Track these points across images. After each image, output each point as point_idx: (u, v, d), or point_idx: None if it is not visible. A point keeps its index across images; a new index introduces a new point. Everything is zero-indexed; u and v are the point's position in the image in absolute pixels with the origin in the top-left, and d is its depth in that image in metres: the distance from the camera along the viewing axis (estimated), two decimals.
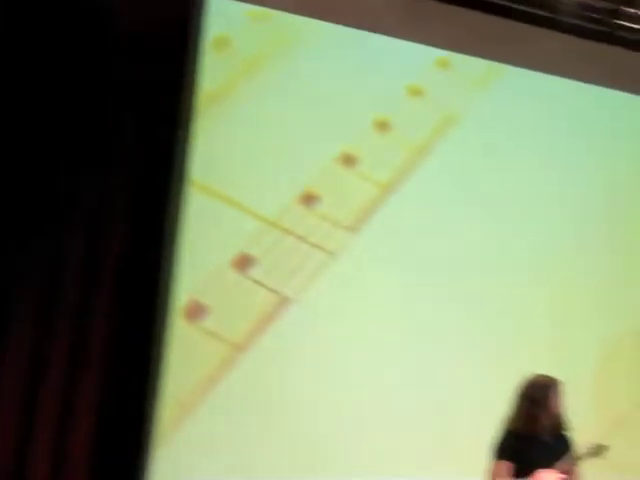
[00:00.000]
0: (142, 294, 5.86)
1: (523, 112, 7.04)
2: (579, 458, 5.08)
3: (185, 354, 5.90)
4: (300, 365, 6.13)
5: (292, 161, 6.29)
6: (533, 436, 4.99)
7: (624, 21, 7.27)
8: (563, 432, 5.12)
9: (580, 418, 6.06)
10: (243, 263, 6.07)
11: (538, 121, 7.07)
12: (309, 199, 6.28)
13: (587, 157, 7.17)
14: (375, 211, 6.43)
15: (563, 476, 4.97)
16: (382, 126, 6.54)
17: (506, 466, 4.93)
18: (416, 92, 6.69)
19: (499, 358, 6.49)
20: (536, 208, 6.96)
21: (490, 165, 6.86)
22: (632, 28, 7.36)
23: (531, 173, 6.98)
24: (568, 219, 7.06)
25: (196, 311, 5.95)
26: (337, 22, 6.52)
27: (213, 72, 6.18)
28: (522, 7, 6.97)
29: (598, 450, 5.10)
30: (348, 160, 6.41)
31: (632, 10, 7.23)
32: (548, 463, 4.94)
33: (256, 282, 6.07)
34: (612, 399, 6.75)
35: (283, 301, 6.15)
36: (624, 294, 7.10)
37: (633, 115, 7.41)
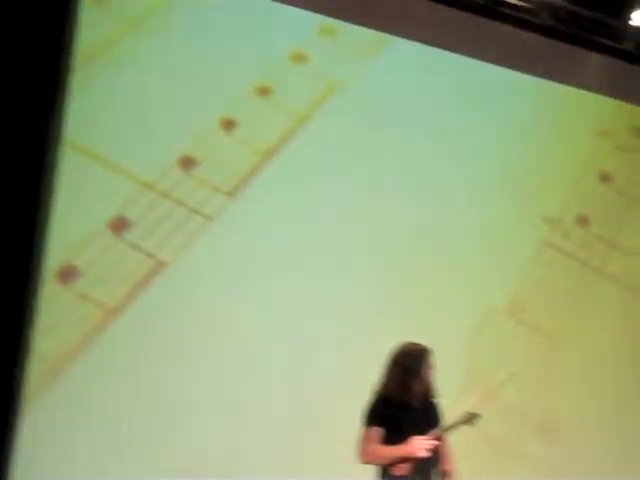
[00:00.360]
0: (15, 256, 5.70)
1: (408, 83, 7.07)
2: (451, 426, 5.15)
3: (57, 317, 5.77)
4: (172, 329, 6.06)
5: (171, 124, 6.18)
6: (404, 403, 5.03)
7: None
8: (433, 400, 5.18)
9: (451, 387, 6.18)
10: (119, 226, 5.96)
11: (423, 92, 7.12)
12: (188, 163, 6.19)
13: (473, 128, 7.24)
14: (254, 177, 6.38)
15: (435, 443, 5.04)
16: (263, 92, 6.48)
17: (377, 432, 4.96)
18: (299, 59, 6.65)
19: (373, 326, 6.53)
20: (420, 178, 7.01)
21: (373, 135, 6.88)
22: (516, 5, 7.48)
23: (414, 143, 7.02)
24: (452, 190, 7.13)
25: (69, 273, 5.83)
26: None
27: (91, 30, 6.02)
28: None
29: (469, 418, 5.16)
30: (228, 125, 6.33)
31: None
32: (419, 430, 5.00)
33: (132, 245, 5.97)
34: (483, 369, 6.89)
35: (159, 265, 6.06)
36: (497, 266, 7.23)
37: (515, 89, 7.53)
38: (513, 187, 7.38)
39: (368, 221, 6.75)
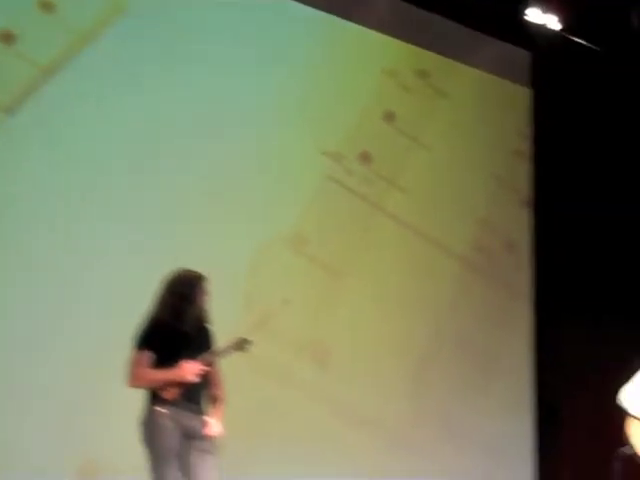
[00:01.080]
0: None
1: (194, 16, 6.96)
2: (222, 351, 5.19)
3: None
4: None
5: None
6: (176, 328, 5.04)
7: None
8: (206, 326, 5.20)
9: (229, 314, 6.25)
10: None
11: (206, 27, 7.03)
12: None
13: (249, 64, 7.22)
14: (31, 93, 6.14)
15: (205, 368, 5.07)
16: (46, 7, 6.24)
17: (147, 356, 4.95)
18: None
19: (149, 251, 6.49)
20: (198, 112, 6.93)
21: (160, 63, 6.76)
22: None
23: (199, 76, 6.94)
24: (233, 126, 7.12)
25: None
26: None
27: None
28: None
29: (240, 344, 5.21)
30: (6, 38, 6.06)
31: None
32: (190, 355, 5.01)
33: None
34: (261, 297, 6.99)
35: None
36: (280, 199, 7.31)
37: (297, 25, 7.55)
38: (296, 123, 7.44)
39: (150, 154, 6.67)
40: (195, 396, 5.08)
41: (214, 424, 5.11)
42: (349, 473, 7.20)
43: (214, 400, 5.20)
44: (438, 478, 7.63)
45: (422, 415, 7.71)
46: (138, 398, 5.01)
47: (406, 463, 7.54)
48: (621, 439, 6.27)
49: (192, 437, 5.00)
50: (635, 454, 6.16)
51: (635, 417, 6.20)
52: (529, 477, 8.27)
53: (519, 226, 8.58)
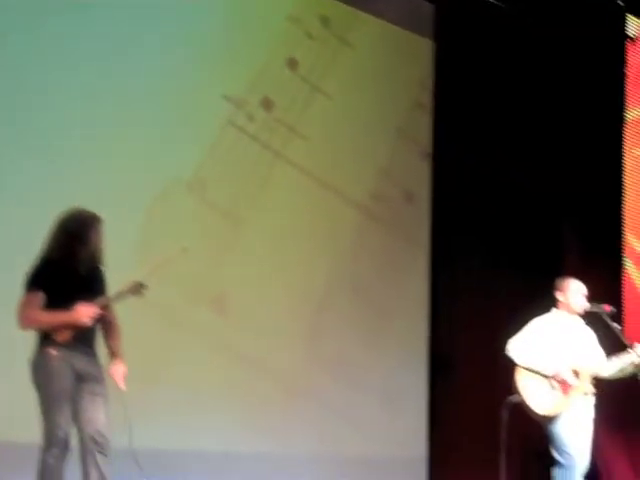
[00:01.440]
0: None
1: None
2: (118, 295, 5.12)
3: None
4: None
5: None
6: (69, 268, 4.95)
7: None
8: (100, 267, 5.12)
9: (122, 258, 6.16)
10: None
11: None
12: None
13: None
14: None
15: (99, 311, 5.01)
16: None
17: (39, 296, 4.86)
18: None
19: (45, 189, 6.37)
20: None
21: None
22: None
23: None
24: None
25: None
26: None
27: None
28: None
29: (136, 288, 5.15)
30: None
31: None
32: (83, 297, 4.94)
33: None
34: (156, 242, 6.92)
35: None
36: (181, 142, 7.22)
37: None
38: (198, 67, 7.35)
39: (49, 92, 6.53)
40: (88, 339, 5.02)
41: (117, 368, 5.05)
42: (245, 419, 7.23)
43: (112, 345, 5.14)
44: (333, 425, 7.73)
45: (319, 362, 7.78)
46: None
47: (302, 410, 7.62)
48: (510, 388, 6.44)
49: (84, 380, 4.94)
50: (521, 402, 6.34)
51: (521, 367, 6.38)
52: (423, 424, 8.42)
53: (419, 177, 8.66)
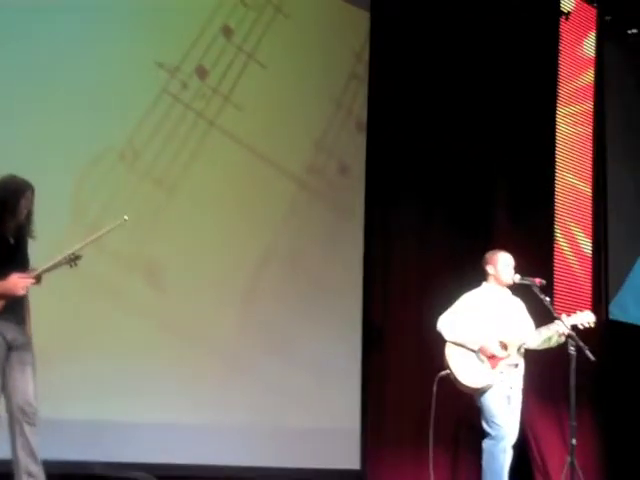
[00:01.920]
0: None
1: None
2: (52, 266, 5.07)
3: None
4: None
5: None
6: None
7: None
8: (29, 238, 5.04)
9: (53, 228, 6.08)
10: None
11: None
12: None
13: None
14: None
15: (32, 280, 4.96)
16: None
17: None
18: None
19: None
20: None
21: None
22: None
23: None
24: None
25: None
26: None
27: None
28: None
29: (71, 259, 5.12)
30: None
31: None
32: (12, 267, 4.88)
33: None
34: (88, 211, 6.83)
35: None
36: (113, 110, 7.11)
37: None
38: (131, 33, 7.25)
39: None
40: (16, 308, 4.96)
41: None
42: (179, 389, 7.20)
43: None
44: (268, 395, 7.72)
45: (253, 333, 7.75)
46: None
47: (236, 380, 7.60)
48: (442, 362, 6.51)
49: (14, 349, 4.89)
50: (451, 376, 6.42)
51: (450, 342, 6.46)
52: (357, 397, 8.46)
53: (354, 149, 8.64)
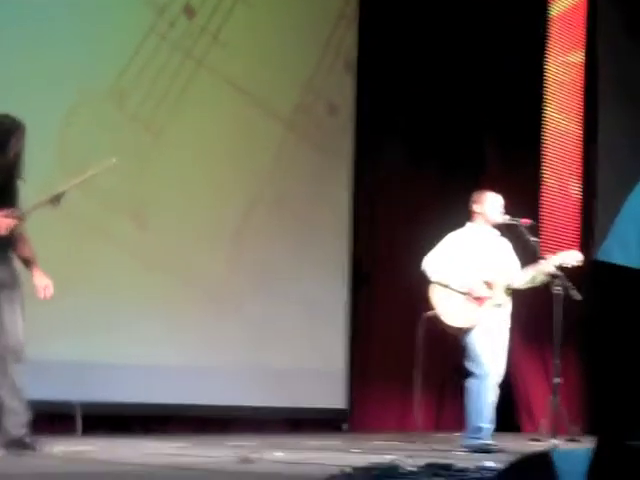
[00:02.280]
0: None
1: None
2: (35, 206, 5.04)
3: None
4: None
5: None
6: None
7: None
8: (17, 177, 5.01)
9: (41, 168, 6.06)
10: None
11: None
12: None
13: None
14: None
15: (15, 221, 4.92)
16: None
17: None
18: None
19: None
20: None
21: None
22: None
23: None
24: None
25: None
26: None
27: None
28: None
29: (55, 198, 5.08)
30: None
31: None
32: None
33: None
34: (76, 152, 6.81)
35: None
36: (99, 50, 7.08)
37: None
38: None
39: None
40: (5, 247, 4.94)
41: (40, 280, 4.99)
42: (169, 330, 7.25)
43: (27, 255, 5.06)
44: (256, 335, 7.77)
45: (242, 274, 7.78)
46: None
47: (225, 321, 7.64)
48: (427, 303, 6.53)
49: (3, 288, 4.89)
50: (437, 317, 6.44)
51: (435, 283, 6.46)
52: (343, 337, 8.51)
53: (343, 90, 8.59)
